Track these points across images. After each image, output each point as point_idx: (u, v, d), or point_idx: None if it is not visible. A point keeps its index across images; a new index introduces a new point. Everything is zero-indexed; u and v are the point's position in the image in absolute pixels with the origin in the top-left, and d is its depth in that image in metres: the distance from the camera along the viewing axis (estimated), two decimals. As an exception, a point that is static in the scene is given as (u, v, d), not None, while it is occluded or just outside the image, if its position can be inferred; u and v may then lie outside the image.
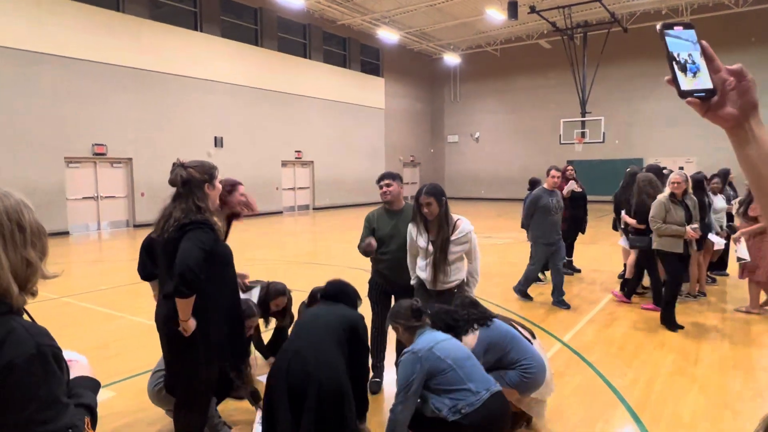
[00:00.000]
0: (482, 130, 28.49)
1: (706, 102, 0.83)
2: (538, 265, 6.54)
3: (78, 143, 14.30)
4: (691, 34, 0.85)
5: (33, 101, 13.30)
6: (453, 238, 3.59)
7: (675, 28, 0.85)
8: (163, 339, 2.76)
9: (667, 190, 5.53)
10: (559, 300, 6.32)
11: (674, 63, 0.83)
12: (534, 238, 6.47)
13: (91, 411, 1.23)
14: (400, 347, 4.11)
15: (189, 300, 2.56)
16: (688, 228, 5.31)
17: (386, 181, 4.02)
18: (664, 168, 12.86)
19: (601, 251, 7.40)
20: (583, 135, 19.73)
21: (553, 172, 6.45)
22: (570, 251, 8.06)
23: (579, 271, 8.19)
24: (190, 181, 2.66)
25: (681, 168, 10.03)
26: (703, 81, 0.83)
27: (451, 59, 26.68)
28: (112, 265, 9.78)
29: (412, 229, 3.73)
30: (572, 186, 7.74)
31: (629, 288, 6.52)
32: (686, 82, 0.82)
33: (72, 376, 1.28)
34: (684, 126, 20.90)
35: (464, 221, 3.70)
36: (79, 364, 1.35)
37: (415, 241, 3.71)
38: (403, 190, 4.13)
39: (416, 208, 3.62)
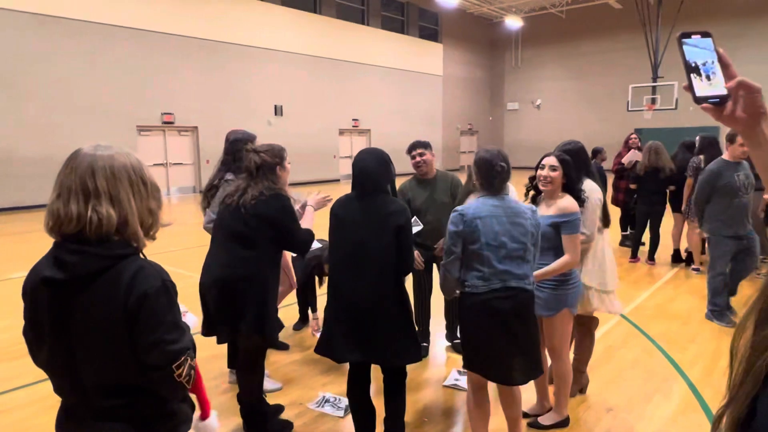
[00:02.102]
0: (544, 97, 27.49)
1: (721, 107, 0.87)
2: (722, 269, 4.67)
3: (148, 112, 14.99)
4: (709, 42, 0.89)
5: (108, 72, 14.00)
6: None
7: (693, 36, 0.89)
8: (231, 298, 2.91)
9: None
10: (715, 310, 4.80)
11: (690, 71, 0.87)
12: (713, 230, 4.71)
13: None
14: (448, 312, 4.16)
15: None
16: None
17: (419, 150, 3.86)
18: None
19: (668, 224, 7.08)
20: (653, 101, 18.64)
21: (740, 138, 4.40)
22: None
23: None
24: (263, 166, 2.79)
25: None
26: (718, 87, 0.87)
27: (513, 23, 25.56)
28: (181, 228, 10.33)
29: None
30: (634, 156, 7.39)
31: (633, 245, 7.26)
32: (701, 89, 0.87)
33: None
34: (766, 93, 19.31)
35: (511, 189, 3.53)
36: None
37: None
38: (435, 158, 3.99)
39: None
